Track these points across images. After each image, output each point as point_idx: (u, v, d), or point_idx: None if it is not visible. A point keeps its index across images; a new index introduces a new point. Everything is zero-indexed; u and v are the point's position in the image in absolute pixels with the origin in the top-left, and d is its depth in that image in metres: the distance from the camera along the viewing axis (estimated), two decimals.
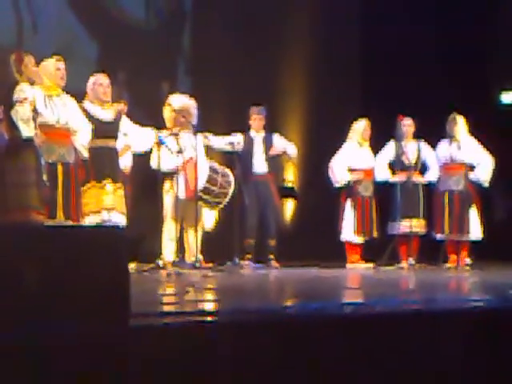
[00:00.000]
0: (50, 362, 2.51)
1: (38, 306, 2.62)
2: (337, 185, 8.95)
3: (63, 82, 6.73)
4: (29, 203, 6.16)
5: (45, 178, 6.33)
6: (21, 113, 6.16)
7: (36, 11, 8.58)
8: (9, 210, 6.14)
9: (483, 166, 8.82)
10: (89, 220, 6.89)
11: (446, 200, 8.77)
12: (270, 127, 8.80)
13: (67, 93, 6.80)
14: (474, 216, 8.78)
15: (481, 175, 8.82)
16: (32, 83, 6.34)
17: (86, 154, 6.90)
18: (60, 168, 6.58)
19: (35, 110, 6.34)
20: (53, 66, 6.68)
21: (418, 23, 10.19)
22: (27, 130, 6.20)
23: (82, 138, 6.86)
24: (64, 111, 6.67)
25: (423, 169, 9.00)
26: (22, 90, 6.22)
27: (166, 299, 4.50)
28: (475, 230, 8.77)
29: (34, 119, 6.31)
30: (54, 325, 2.62)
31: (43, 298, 2.63)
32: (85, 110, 7.06)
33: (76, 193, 6.70)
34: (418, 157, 8.94)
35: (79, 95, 7.04)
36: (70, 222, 6.49)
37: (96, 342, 2.62)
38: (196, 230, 7.73)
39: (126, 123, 7.39)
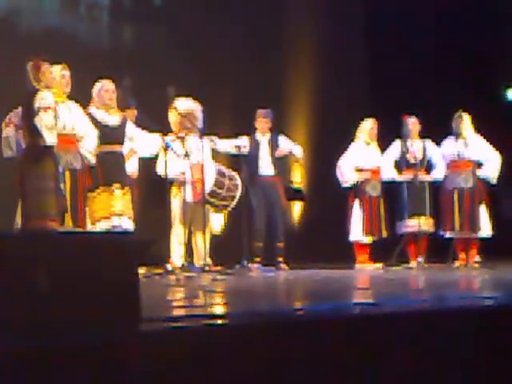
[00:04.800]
0: (61, 368, 2.51)
1: (48, 311, 2.62)
2: (344, 185, 8.93)
3: (68, 89, 6.78)
4: (46, 210, 6.17)
5: (62, 186, 6.37)
6: (45, 120, 6.20)
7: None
8: (27, 217, 6.16)
9: (491, 163, 8.80)
10: (99, 226, 6.90)
11: (456, 197, 8.74)
12: (276, 128, 8.79)
13: (71, 99, 6.83)
14: (483, 213, 8.77)
15: (489, 172, 8.81)
16: (49, 90, 6.38)
17: (92, 160, 6.92)
18: (68, 174, 6.60)
19: (56, 118, 6.38)
20: (58, 74, 6.70)
21: (423, 22, 10.18)
22: (51, 137, 6.25)
23: (88, 144, 6.89)
24: (69, 118, 6.69)
25: (429, 167, 8.98)
26: (44, 98, 6.26)
27: (175, 303, 4.49)
28: (485, 228, 8.76)
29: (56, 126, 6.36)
30: (65, 330, 2.62)
31: (53, 304, 2.64)
32: (90, 116, 7.08)
33: (83, 199, 6.72)
34: (424, 155, 8.92)
35: (80, 100, 7.04)
36: (78, 229, 6.50)
37: (106, 347, 2.62)
38: (204, 234, 7.74)
39: (131, 128, 7.40)
